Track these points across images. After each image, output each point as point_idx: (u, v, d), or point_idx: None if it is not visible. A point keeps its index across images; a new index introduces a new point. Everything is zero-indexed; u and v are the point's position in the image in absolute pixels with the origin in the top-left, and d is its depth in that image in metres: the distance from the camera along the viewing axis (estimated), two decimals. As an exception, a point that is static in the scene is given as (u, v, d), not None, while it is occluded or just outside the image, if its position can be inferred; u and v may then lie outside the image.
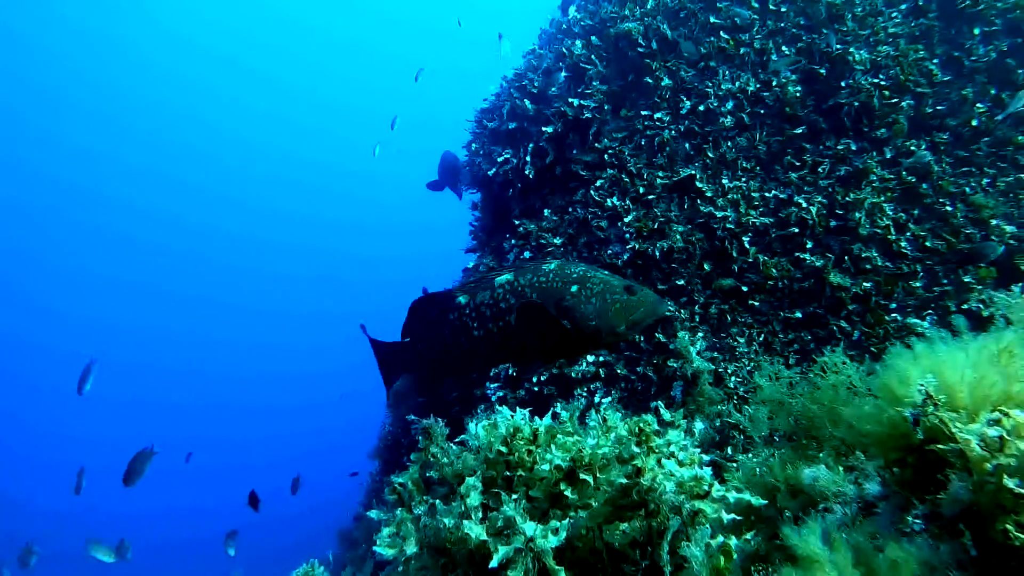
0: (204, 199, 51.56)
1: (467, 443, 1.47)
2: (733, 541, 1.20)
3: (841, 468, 2.00)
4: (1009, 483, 1.04)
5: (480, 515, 1.22)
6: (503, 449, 1.31)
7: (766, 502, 1.39)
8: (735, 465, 2.47)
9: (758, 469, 2.23)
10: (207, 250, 50.27)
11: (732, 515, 1.24)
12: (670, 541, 1.19)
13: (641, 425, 1.25)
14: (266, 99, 54.36)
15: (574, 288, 2.74)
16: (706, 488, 1.23)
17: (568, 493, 1.25)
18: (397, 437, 6.40)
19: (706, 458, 1.40)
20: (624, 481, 1.22)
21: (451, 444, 1.57)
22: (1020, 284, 2.33)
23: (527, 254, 4.87)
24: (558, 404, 4.48)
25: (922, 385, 1.23)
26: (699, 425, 1.62)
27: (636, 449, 1.25)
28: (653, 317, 2.84)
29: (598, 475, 1.28)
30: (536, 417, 1.48)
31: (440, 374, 3.24)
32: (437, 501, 1.31)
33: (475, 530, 1.16)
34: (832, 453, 2.23)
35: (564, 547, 1.19)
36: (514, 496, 1.24)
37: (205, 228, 51.21)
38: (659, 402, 1.56)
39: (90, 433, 33.54)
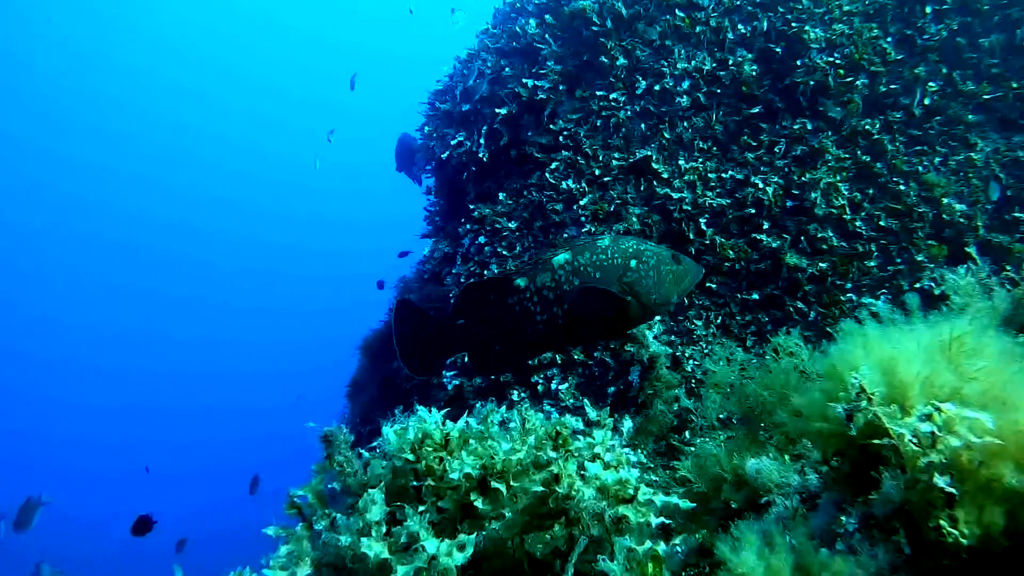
0: (150, 192, 50.01)
1: (382, 448, 1.36)
2: (661, 547, 1.11)
3: (788, 457, 1.93)
4: (939, 481, 0.97)
5: (383, 530, 1.11)
6: (410, 457, 1.20)
7: (694, 504, 1.30)
8: (685, 455, 2.41)
9: (706, 459, 2.15)
10: (160, 245, 48.69)
11: (661, 519, 1.15)
12: (592, 550, 1.09)
13: (558, 428, 1.15)
14: (214, 88, 52.81)
15: (632, 263, 2.72)
16: (631, 492, 1.14)
17: (479, 504, 1.15)
18: (356, 427, 6.26)
19: (634, 457, 1.31)
20: (540, 489, 1.12)
21: (361, 450, 1.45)
22: (965, 265, 2.28)
23: (482, 239, 4.75)
24: (514, 392, 4.40)
25: (856, 378, 1.15)
26: (627, 423, 1.53)
27: (553, 454, 1.15)
28: (695, 283, 2.88)
29: (512, 483, 1.18)
30: (468, 419, 1.37)
31: (496, 360, 3.07)
32: (338, 515, 1.20)
33: (375, 548, 1.06)
34: (783, 440, 2.17)
35: (479, 559, 1.09)
36: (421, 508, 1.13)
37: (157, 223, 49.63)
38: (585, 402, 1.46)
39: (46, 435, 32.63)
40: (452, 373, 4.60)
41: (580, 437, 1.24)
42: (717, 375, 2.49)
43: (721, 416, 2.58)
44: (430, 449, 1.20)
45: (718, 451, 1.99)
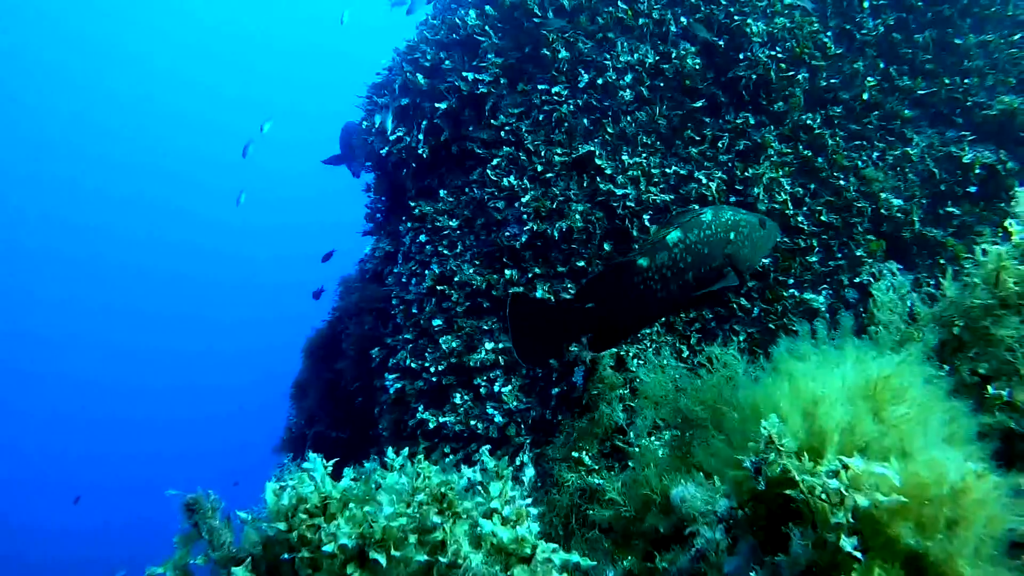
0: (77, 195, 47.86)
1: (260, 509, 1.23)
2: (564, 604, 1.02)
3: (717, 479, 1.86)
4: (846, 544, 0.90)
5: (248, 612, 0.99)
6: (282, 526, 1.08)
7: (595, 563, 1.21)
8: (617, 468, 2.33)
9: (635, 477, 2.07)
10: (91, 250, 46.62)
11: (563, 576, 1.06)
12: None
13: (444, 490, 1.04)
14: (133, 85, 50.63)
15: (732, 235, 2.86)
16: (528, 551, 1.04)
17: (355, 579, 1.04)
18: (301, 428, 6.08)
19: (535, 510, 1.21)
20: (423, 558, 1.02)
21: (233, 516, 1.31)
22: (885, 278, 2.25)
23: (423, 237, 4.60)
24: (457, 394, 4.30)
25: (765, 428, 1.08)
26: (529, 472, 1.42)
27: (437, 519, 1.04)
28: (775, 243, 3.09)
29: (393, 552, 1.07)
30: (358, 473, 1.24)
31: (612, 336, 3.36)
32: (199, 595, 1.08)
33: (235, 635, 0.94)
34: (712, 459, 2.10)
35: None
36: (292, 585, 1.02)
37: (85, 228, 47.49)
38: (483, 452, 1.35)
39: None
40: (394, 376, 4.46)
41: (476, 491, 1.14)
42: (650, 385, 2.41)
43: (653, 431, 2.50)
44: (305, 516, 1.09)
45: (647, 472, 1.91)
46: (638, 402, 2.56)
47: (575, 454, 4.08)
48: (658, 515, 1.77)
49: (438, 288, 4.41)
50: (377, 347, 4.76)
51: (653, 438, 2.99)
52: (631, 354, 4.18)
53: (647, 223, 4.39)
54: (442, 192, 4.65)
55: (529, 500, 1.18)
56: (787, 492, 1.01)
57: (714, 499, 1.69)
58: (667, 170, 4.52)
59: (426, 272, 4.49)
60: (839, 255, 4.34)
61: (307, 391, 5.99)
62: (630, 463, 3.34)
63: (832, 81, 4.64)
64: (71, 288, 44.11)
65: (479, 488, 1.15)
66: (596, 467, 4.11)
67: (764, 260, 4.33)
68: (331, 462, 1.23)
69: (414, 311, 4.53)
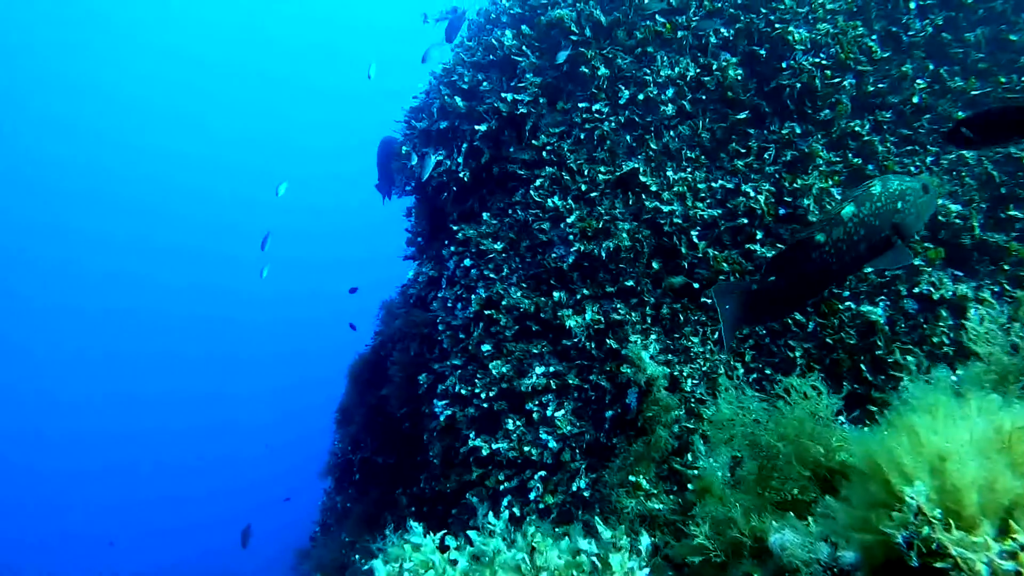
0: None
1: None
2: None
3: (812, 520, 1.83)
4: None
5: None
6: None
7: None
8: (695, 513, 2.31)
9: (720, 516, 2.05)
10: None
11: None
12: None
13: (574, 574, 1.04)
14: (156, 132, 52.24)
15: (900, 204, 3.01)
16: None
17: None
18: (347, 454, 6.12)
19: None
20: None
21: None
22: (975, 311, 2.19)
23: (467, 261, 4.63)
24: (509, 420, 4.29)
25: (913, 497, 1.05)
26: (645, 540, 1.41)
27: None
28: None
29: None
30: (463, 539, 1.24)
31: (784, 308, 3.59)
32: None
33: None
34: (800, 493, 2.07)
35: None
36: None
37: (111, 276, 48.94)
38: (595, 518, 1.33)
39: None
40: (444, 403, 4.48)
41: (596, 568, 1.13)
42: (721, 415, 2.39)
43: (723, 466, 2.47)
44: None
45: (734, 512, 1.89)
46: (711, 434, 2.53)
47: (632, 478, 4.07)
48: (752, 563, 1.74)
49: (485, 312, 4.43)
50: (424, 373, 4.79)
51: (723, 470, 2.95)
52: (685, 374, 4.15)
53: (695, 239, 4.36)
54: (485, 215, 4.68)
55: (647, 570, 1.17)
56: (936, 566, 0.99)
57: (814, 546, 1.66)
58: (713, 184, 4.50)
59: (472, 297, 4.52)
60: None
61: (352, 416, 6.05)
62: (689, 485, 3.32)
63: (880, 86, 4.59)
64: (109, 341, 45.19)
65: (596, 562, 1.14)
66: (655, 491, 4.09)
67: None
68: (438, 535, 1.23)
69: (461, 336, 4.55)
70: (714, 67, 4.70)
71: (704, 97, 4.69)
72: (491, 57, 4.94)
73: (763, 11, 4.76)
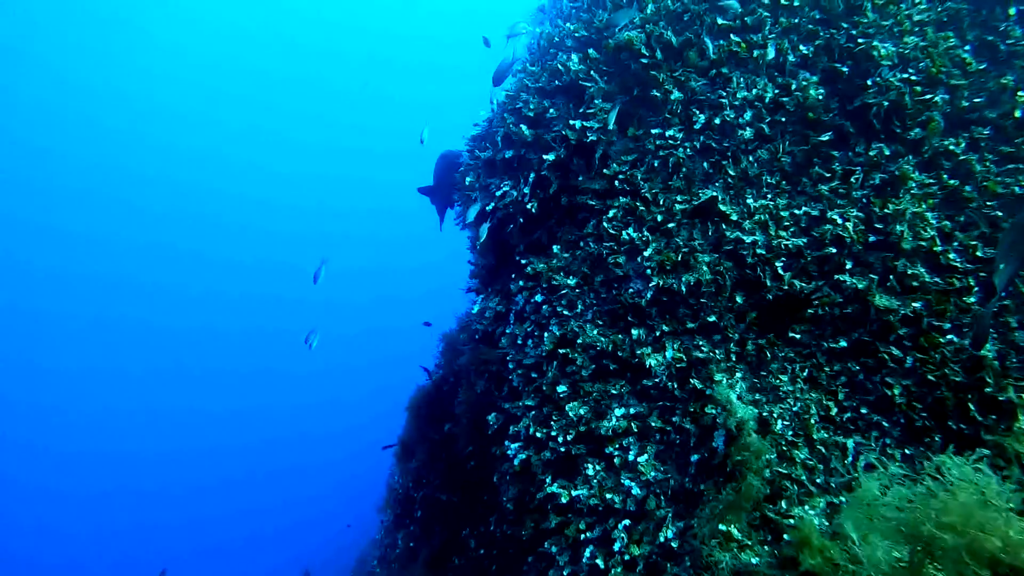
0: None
1: None
2: None
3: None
4: None
5: None
6: None
7: None
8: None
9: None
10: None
11: None
12: None
13: None
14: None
15: None
16: None
17: None
18: (408, 490, 6.07)
19: None
20: None
21: None
22: None
23: (538, 297, 4.55)
24: (589, 465, 4.18)
25: None
26: None
27: None
28: None
29: None
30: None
31: None
32: None
33: None
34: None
35: None
36: None
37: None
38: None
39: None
40: (517, 445, 4.39)
41: None
42: (865, 491, 2.24)
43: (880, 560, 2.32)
44: None
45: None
46: (852, 514, 2.38)
47: (723, 527, 3.93)
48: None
49: (560, 351, 4.34)
50: (493, 413, 4.71)
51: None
52: (775, 415, 3.99)
53: (780, 271, 4.19)
54: (555, 248, 4.60)
55: None
56: None
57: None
58: (796, 211, 4.35)
59: (544, 334, 4.43)
60: (1002, 293, 4.04)
61: (413, 451, 6.01)
62: (786, 535, 3.16)
63: (976, 100, 4.40)
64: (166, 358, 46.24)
65: None
66: (748, 542, 3.94)
67: (915, 304, 4.09)
68: None
69: (534, 376, 4.47)
70: (793, 87, 4.54)
71: (783, 119, 4.54)
72: (556, 83, 4.86)
73: (844, 26, 4.60)
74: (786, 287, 4.23)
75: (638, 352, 4.26)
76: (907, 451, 3.82)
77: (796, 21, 4.69)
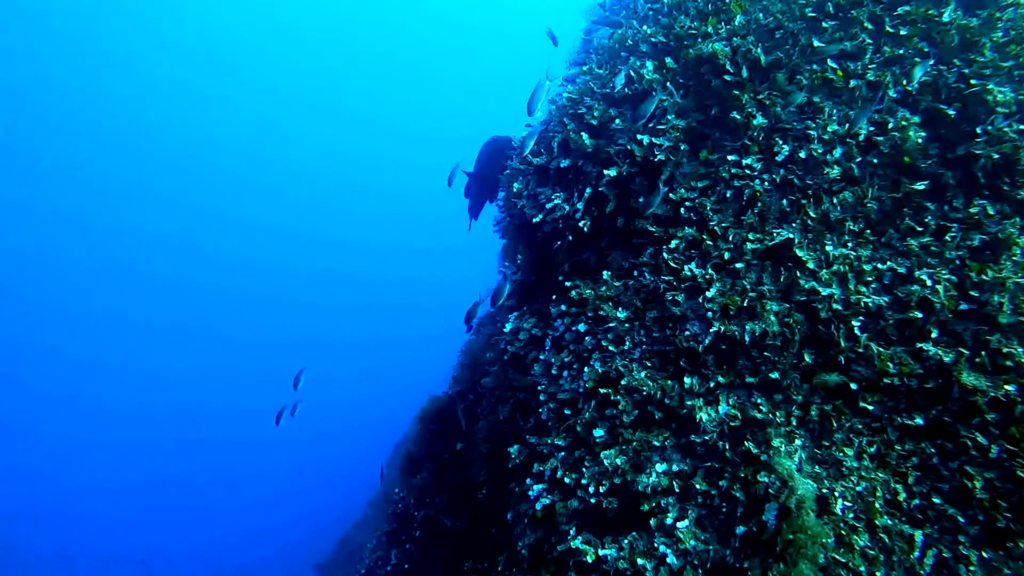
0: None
1: None
2: None
3: None
4: None
5: None
6: None
7: None
8: None
9: None
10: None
11: None
12: None
13: None
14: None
15: None
16: None
17: None
18: (409, 507, 5.71)
19: None
20: None
21: None
22: None
23: (581, 326, 4.18)
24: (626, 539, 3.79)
25: None
26: None
27: None
28: None
29: None
30: None
31: None
32: None
33: None
34: None
35: None
36: None
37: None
38: None
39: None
40: (541, 487, 4.00)
41: None
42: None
43: None
44: None
45: None
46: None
47: (768, 615, 3.54)
48: None
49: (600, 391, 3.94)
50: (516, 445, 4.32)
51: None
52: (837, 493, 3.59)
53: (856, 331, 3.78)
54: (605, 274, 4.20)
55: None
56: None
57: None
58: (880, 265, 3.95)
59: (585, 368, 4.04)
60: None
61: (419, 466, 5.65)
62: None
63: (1098, 163, 3.93)
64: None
65: None
66: (796, 636, 3.55)
67: (1008, 387, 3.68)
68: None
69: (567, 413, 4.09)
70: (890, 126, 4.11)
71: (876, 160, 4.10)
72: (626, 90, 4.42)
73: (956, 63, 4.15)
74: (861, 350, 3.82)
75: (688, 403, 3.86)
76: (985, 554, 3.43)
77: (901, 52, 4.25)
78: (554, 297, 4.49)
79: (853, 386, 3.83)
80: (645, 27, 4.57)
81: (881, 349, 3.83)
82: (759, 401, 3.85)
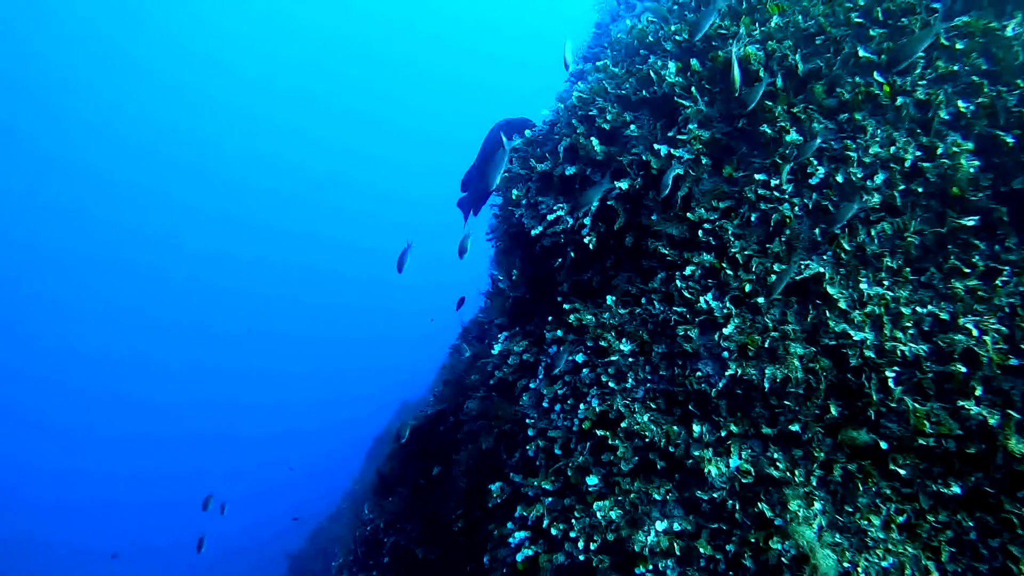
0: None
1: None
2: None
3: None
4: None
5: None
6: None
7: None
8: None
9: None
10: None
11: None
12: None
13: None
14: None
15: None
16: None
17: None
18: (378, 532, 5.26)
19: None
20: None
21: None
22: None
23: (580, 357, 3.71)
24: (613, 586, 3.36)
25: None
26: None
27: None
28: None
29: None
30: None
31: None
32: None
33: None
34: None
35: None
36: None
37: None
38: None
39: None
40: (524, 535, 3.55)
41: None
42: None
43: None
44: None
45: None
46: None
47: None
48: None
49: (597, 432, 3.48)
50: (499, 483, 3.86)
51: None
52: (860, 568, 3.15)
53: (890, 382, 3.34)
54: (609, 299, 3.74)
55: None
56: None
57: None
58: (920, 309, 3.49)
59: (581, 405, 3.58)
60: None
61: (391, 488, 5.19)
62: None
63: None
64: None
65: None
66: None
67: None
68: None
69: (558, 453, 3.62)
70: (939, 151, 3.65)
71: (921, 189, 3.64)
72: (644, 93, 3.96)
73: (1020, 84, 3.68)
74: (894, 405, 3.38)
75: (695, 453, 3.42)
76: (1027, 652, 3.01)
77: (956, 68, 3.79)
78: (550, 319, 4.04)
79: (883, 445, 3.39)
80: (672, 24, 4.09)
81: (917, 405, 3.39)
82: (776, 456, 3.41)
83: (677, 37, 4.05)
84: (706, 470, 3.40)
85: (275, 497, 26.55)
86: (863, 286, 3.58)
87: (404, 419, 5.49)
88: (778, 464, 3.39)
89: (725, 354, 3.48)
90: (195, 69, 61.93)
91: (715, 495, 3.38)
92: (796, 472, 3.39)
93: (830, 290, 3.54)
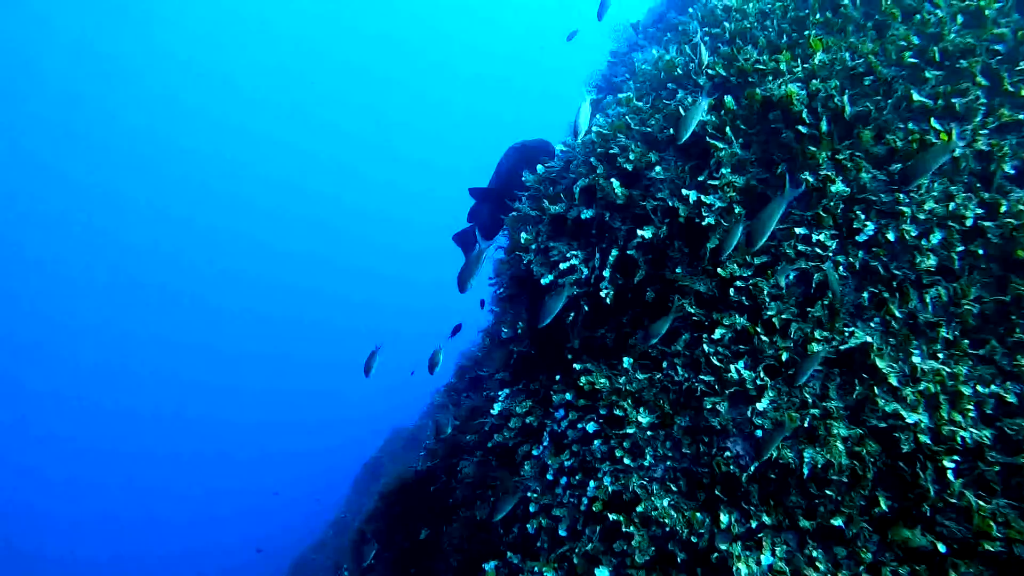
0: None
1: None
2: None
3: None
4: None
5: None
6: None
7: None
8: None
9: None
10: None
11: None
12: None
13: None
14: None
15: None
16: None
17: None
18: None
19: None
20: None
21: None
22: None
23: (591, 426, 3.26)
24: None
25: None
26: None
27: None
28: None
29: None
30: None
31: None
32: None
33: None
34: None
35: None
36: None
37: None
38: None
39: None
40: (519, 631, 3.09)
41: None
42: None
43: None
44: None
45: None
46: None
47: None
48: None
49: (609, 516, 3.02)
50: (494, 562, 3.40)
51: None
52: None
53: (949, 474, 2.90)
54: (627, 361, 3.29)
55: None
56: None
57: None
58: (981, 388, 3.04)
59: (591, 482, 3.13)
60: None
61: (372, 551, 4.69)
62: None
63: None
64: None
65: None
66: None
67: None
68: None
69: (563, 535, 3.15)
70: (1003, 209, 3.24)
71: (982, 251, 3.23)
72: (671, 131, 3.55)
73: (1090, 140, 3.29)
74: (954, 500, 2.93)
75: (722, 546, 2.97)
76: None
77: (1021, 117, 3.40)
78: (558, 378, 3.60)
79: (941, 547, 2.94)
80: (704, 56, 3.71)
81: (981, 503, 2.94)
82: (815, 555, 2.95)
83: (709, 71, 3.67)
84: (734, 568, 2.95)
85: (259, 521, 26.02)
86: (916, 359, 3.15)
87: (394, 450, 5.06)
88: (818, 565, 2.93)
89: (759, 432, 3.04)
90: (198, 85, 63.31)
91: (744, 598, 2.92)
92: (839, 575, 2.93)
93: (879, 363, 3.12)
